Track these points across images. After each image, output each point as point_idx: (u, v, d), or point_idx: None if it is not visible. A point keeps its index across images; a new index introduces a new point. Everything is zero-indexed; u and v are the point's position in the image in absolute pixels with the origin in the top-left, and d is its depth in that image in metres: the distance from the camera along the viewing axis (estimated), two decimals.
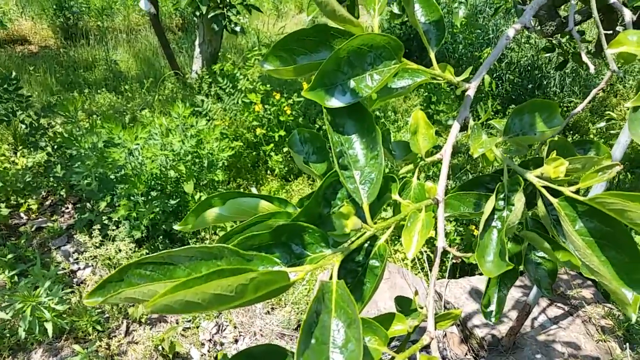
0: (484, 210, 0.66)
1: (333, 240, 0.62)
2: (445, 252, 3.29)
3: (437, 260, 0.67)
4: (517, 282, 2.78)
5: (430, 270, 3.06)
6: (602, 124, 3.67)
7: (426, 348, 0.63)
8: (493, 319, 1.02)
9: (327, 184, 0.65)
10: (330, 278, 0.55)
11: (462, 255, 0.65)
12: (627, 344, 2.44)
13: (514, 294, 2.66)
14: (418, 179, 0.73)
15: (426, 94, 5.02)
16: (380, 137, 0.60)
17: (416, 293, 0.68)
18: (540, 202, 1.05)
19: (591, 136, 4.71)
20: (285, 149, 4.27)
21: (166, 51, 5.41)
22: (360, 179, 0.61)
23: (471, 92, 0.69)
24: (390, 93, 0.67)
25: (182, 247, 0.50)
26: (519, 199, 0.64)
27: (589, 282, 2.84)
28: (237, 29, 4.65)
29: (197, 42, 5.31)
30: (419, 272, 3.15)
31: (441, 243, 0.67)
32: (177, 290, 0.40)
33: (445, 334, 2.53)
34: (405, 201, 0.67)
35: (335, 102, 0.59)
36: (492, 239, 0.67)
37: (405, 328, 0.67)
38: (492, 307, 1.02)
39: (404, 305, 0.76)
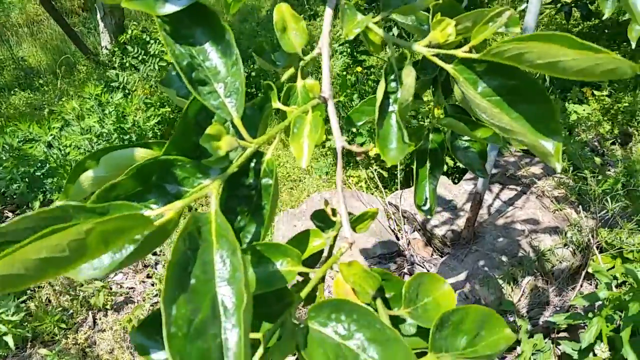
0: (377, 97, 0.60)
1: (219, 169, 0.54)
2: (394, 166, 3.23)
3: (340, 162, 0.60)
4: (467, 175, 2.80)
5: (377, 187, 3.06)
6: None
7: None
8: (431, 214, 0.99)
9: (196, 108, 0.56)
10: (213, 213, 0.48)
11: (363, 150, 0.59)
12: (580, 206, 2.52)
13: (465, 187, 2.68)
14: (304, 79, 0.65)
15: None
16: (233, 39, 0.52)
17: (326, 203, 0.62)
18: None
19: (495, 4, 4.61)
20: None
21: (70, 34, 5.09)
22: (225, 92, 0.52)
23: None
24: None
25: (15, 219, 0.41)
26: (407, 74, 0.58)
27: (537, 159, 2.89)
28: None
29: (98, 17, 5.03)
30: (373, 191, 3.15)
31: (339, 142, 0.60)
32: None
33: (410, 242, 2.55)
34: (290, 107, 0.60)
35: (170, 7, 0.50)
36: (391, 124, 0.60)
37: (324, 242, 0.62)
38: (428, 204, 0.98)
39: (324, 219, 0.70)
